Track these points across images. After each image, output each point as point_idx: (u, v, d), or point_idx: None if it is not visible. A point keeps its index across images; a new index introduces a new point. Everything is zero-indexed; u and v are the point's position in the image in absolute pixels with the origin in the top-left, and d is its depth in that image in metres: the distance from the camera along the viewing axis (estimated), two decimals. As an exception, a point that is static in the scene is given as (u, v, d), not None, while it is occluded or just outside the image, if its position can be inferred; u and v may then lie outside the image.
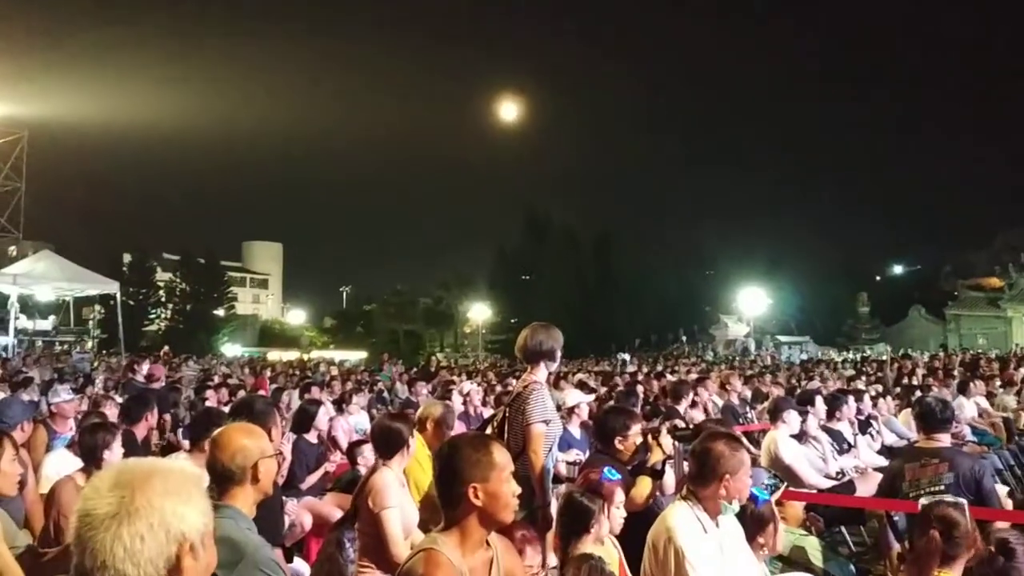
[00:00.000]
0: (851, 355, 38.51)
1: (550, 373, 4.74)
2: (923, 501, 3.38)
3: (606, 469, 3.82)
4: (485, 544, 2.58)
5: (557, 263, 64.16)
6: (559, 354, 4.55)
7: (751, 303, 48.99)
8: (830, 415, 7.83)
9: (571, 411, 7.76)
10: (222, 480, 2.81)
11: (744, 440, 3.77)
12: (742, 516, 3.61)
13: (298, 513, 6.25)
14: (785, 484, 4.62)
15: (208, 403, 10.20)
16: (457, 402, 9.88)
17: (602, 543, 3.61)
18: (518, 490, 2.60)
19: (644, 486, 4.43)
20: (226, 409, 6.83)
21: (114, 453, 4.84)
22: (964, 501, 3.32)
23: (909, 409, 9.65)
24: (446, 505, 2.55)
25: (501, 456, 2.57)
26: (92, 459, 4.77)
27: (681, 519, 3.27)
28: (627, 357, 36.09)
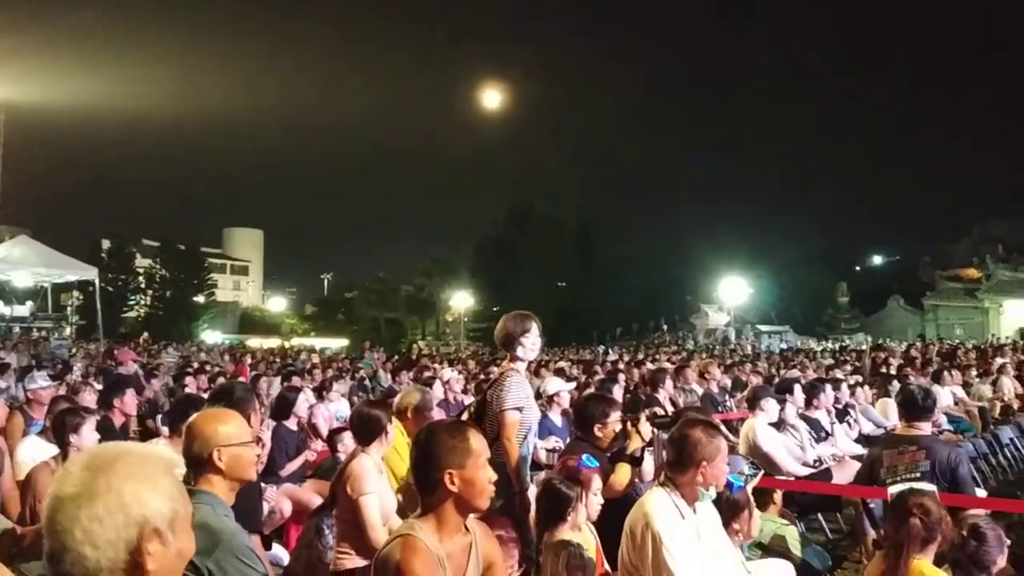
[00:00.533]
0: (830, 344, 38.82)
1: (530, 361, 4.76)
2: (892, 490, 3.43)
3: (584, 456, 3.84)
4: (463, 529, 2.59)
5: (540, 252, 64.20)
6: (534, 341, 4.55)
7: (732, 292, 49.22)
8: (808, 404, 7.90)
9: (551, 399, 7.78)
10: (196, 466, 2.80)
11: (722, 427, 3.79)
12: (717, 502, 3.64)
13: (278, 500, 6.25)
14: (762, 471, 4.66)
15: (187, 390, 10.16)
16: (438, 390, 9.88)
17: (579, 529, 3.63)
18: (494, 477, 2.60)
19: (623, 473, 4.45)
20: (205, 396, 6.81)
21: (84, 437, 4.82)
22: (935, 488, 3.36)
23: (886, 398, 9.77)
24: (423, 491, 2.55)
25: (477, 443, 2.57)
26: (61, 443, 4.76)
27: (659, 505, 3.29)
28: (602, 348, 36.20)
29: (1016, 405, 11.20)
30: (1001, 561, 3.52)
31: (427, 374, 12.82)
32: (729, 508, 3.83)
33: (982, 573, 3.41)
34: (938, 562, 3.40)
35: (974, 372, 14.56)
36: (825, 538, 6.66)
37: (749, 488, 4.08)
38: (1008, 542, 3.62)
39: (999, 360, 16.30)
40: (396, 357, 22.81)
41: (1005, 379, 13.10)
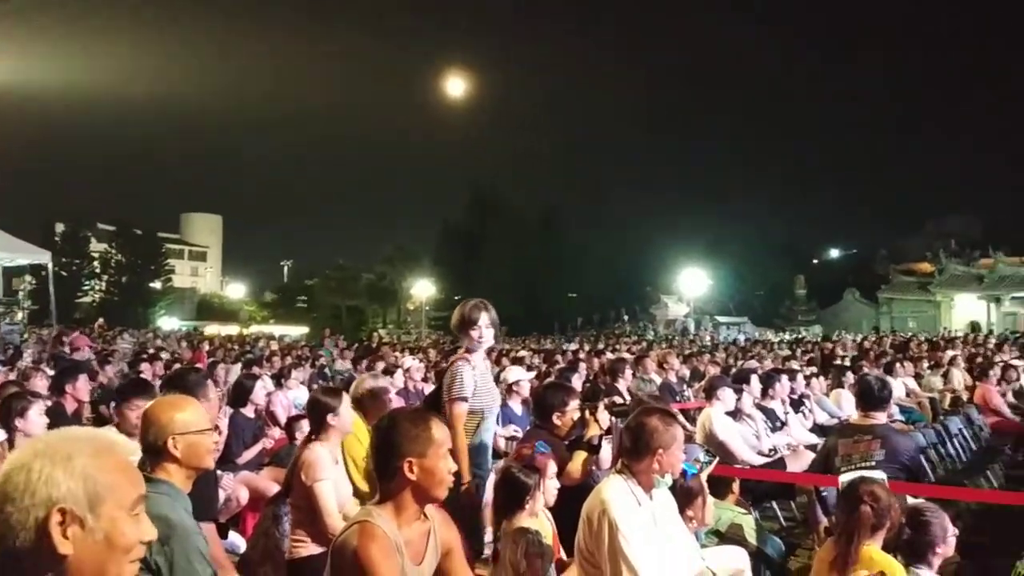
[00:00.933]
0: (788, 336, 39.37)
1: (489, 349, 4.78)
2: (843, 478, 3.49)
3: (537, 443, 3.87)
4: (422, 516, 2.59)
5: (502, 241, 64.21)
6: (486, 330, 4.58)
7: (691, 284, 49.75)
8: (764, 394, 8.01)
9: (511, 387, 7.80)
10: (152, 454, 2.76)
11: (679, 416, 3.83)
12: (673, 490, 3.68)
13: (234, 487, 6.19)
14: (717, 459, 4.72)
15: (143, 376, 9.99)
16: (399, 379, 9.86)
17: (536, 516, 3.65)
18: (454, 467, 2.61)
19: (580, 460, 4.48)
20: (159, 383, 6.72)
21: (30, 421, 4.75)
22: (884, 476, 3.44)
23: (839, 389, 9.94)
24: (381, 478, 2.55)
25: (439, 432, 2.58)
26: (7, 428, 4.67)
27: (615, 492, 3.32)
28: (563, 338, 36.40)
29: (965, 396, 11.44)
30: (946, 548, 3.61)
31: (389, 361, 12.74)
32: (683, 495, 3.87)
33: (926, 558, 3.50)
34: (888, 548, 3.48)
35: (926, 364, 14.85)
36: (779, 526, 6.76)
37: (704, 476, 4.13)
38: (955, 530, 3.72)
39: (950, 353, 16.67)
40: (357, 345, 22.68)
41: (955, 371, 13.38)
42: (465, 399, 4.37)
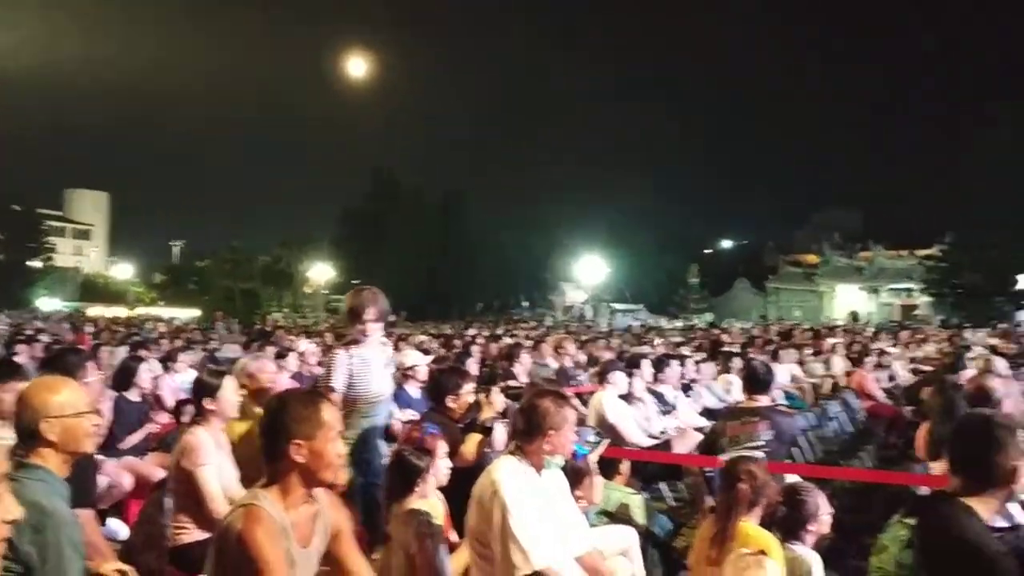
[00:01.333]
0: (680, 323, 40.46)
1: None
2: (723, 457, 3.63)
3: (426, 425, 3.88)
4: (309, 499, 2.56)
5: (403, 225, 63.61)
6: (369, 317, 4.59)
7: (590, 271, 50.54)
8: (655, 378, 8.23)
9: (407, 372, 7.76)
10: (26, 438, 2.64)
11: (572, 398, 3.90)
12: (564, 470, 3.74)
13: (117, 473, 5.97)
14: (607, 440, 4.83)
15: (20, 359, 9.50)
16: (292, 362, 9.68)
17: (427, 498, 3.66)
18: (344, 451, 2.59)
19: (473, 442, 4.52)
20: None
21: None
22: (762, 456, 3.58)
23: (727, 374, 10.30)
24: (269, 459, 2.52)
25: (330, 415, 2.55)
26: None
27: (506, 472, 3.35)
28: (462, 323, 36.45)
29: (844, 382, 12.01)
30: (820, 526, 3.80)
31: (283, 345, 12.48)
32: (573, 475, 3.95)
33: (800, 534, 3.68)
34: (765, 525, 3.63)
35: (809, 351, 15.50)
36: (668, 506, 6.96)
37: (594, 457, 4.22)
38: (831, 508, 3.91)
39: (831, 341, 17.44)
40: (248, 329, 22.15)
41: (836, 358, 13.99)
42: (333, 389, 4.40)
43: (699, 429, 7.67)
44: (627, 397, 7.45)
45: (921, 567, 2.59)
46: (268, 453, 2.52)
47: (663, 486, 7.11)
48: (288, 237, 69.78)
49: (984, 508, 2.56)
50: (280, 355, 9.87)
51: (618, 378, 7.34)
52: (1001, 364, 8.03)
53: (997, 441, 2.60)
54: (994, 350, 12.98)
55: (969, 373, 7.47)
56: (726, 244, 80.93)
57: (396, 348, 13.31)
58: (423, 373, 7.95)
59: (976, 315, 33.59)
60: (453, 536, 3.85)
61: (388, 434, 5.28)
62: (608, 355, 12.40)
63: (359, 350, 4.61)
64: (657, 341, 18.33)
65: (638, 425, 7.22)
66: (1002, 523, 2.69)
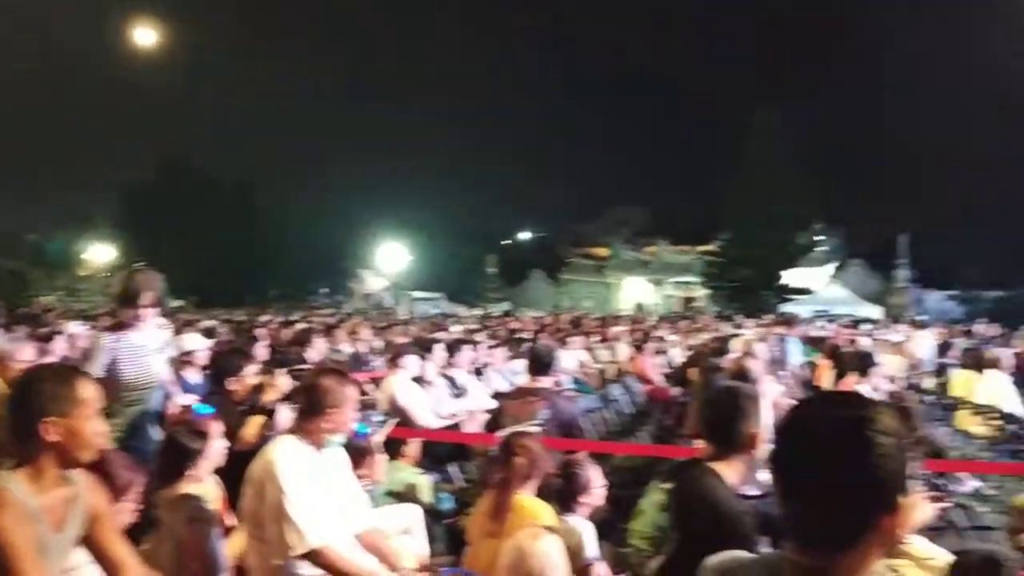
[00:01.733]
0: (479, 312, 41.17)
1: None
2: (500, 433, 3.75)
3: (194, 405, 3.76)
4: (65, 481, 2.40)
5: (192, 206, 60.33)
6: (144, 310, 4.38)
7: (390, 259, 50.35)
8: (448, 362, 8.35)
9: (184, 358, 7.41)
10: None
11: (353, 377, 3.86)
12: (347, 448, 3.72)
13: None
14: (394, 421, 4.86)
15: None
16: (59, 345, 8.96)
17: (202, 482, 3.52)
18: (104, 429, 2.45)
19: (254, 425, 4.40)
20: None
21: None
22: (537, 431, 3.73)
23: (517, 360, 10.61)
24: (17, 439, 2.34)
25: (87, 392, 2.41)
26: None
27: (283, 452, 3.29)
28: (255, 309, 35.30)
29: (627, 368, 12.67)
30: (594, 498, 4.01)
31: (51, 327, 11.51)
32: (355, 454, 3.93)
33: (573, 506, 3.87)
34: (542, 497, 3.78)
35: (596, 339, 16.25)
36: (457, 486, 7.07)
37: (379, 436, 4.22)
38: (605, 482, 4.13)
39: (616, 329, 18.38)
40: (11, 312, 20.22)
41: (620, 345, 14.77)
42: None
43: (490, 411, 7.86)
44: (419, 380, 7.51)
45: (673, 527, 2.80)
46: (17, 433, 2.35)
47: (454, 468, 7.23)
48: (63, 215, 64.45)
49: (730, 472, 2.80)
50: (46, 338, 9.11)
51: (410, 362, 7.39)
52: (761, 348, 8.79)
53: (741, 410, 2.85)
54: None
55: (733, 356, 8.11)
56: (524, 236, 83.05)
57: (179, 333, 12.70)
58: (203, 357, 7.61)
59: (748, 307, 36.45)
60: (232, 520, 3.72)
61: (163, 419, 5.03)
62: (404, 341, 12.44)
63: (129, 335, 4.37)
64: (454, 328, 18.56)
65: (429, 408, 7.29)
66: (755, 491, 2.94)
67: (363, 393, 7.93)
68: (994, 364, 9.58)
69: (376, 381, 9.31)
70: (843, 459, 1.29)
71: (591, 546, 3.77)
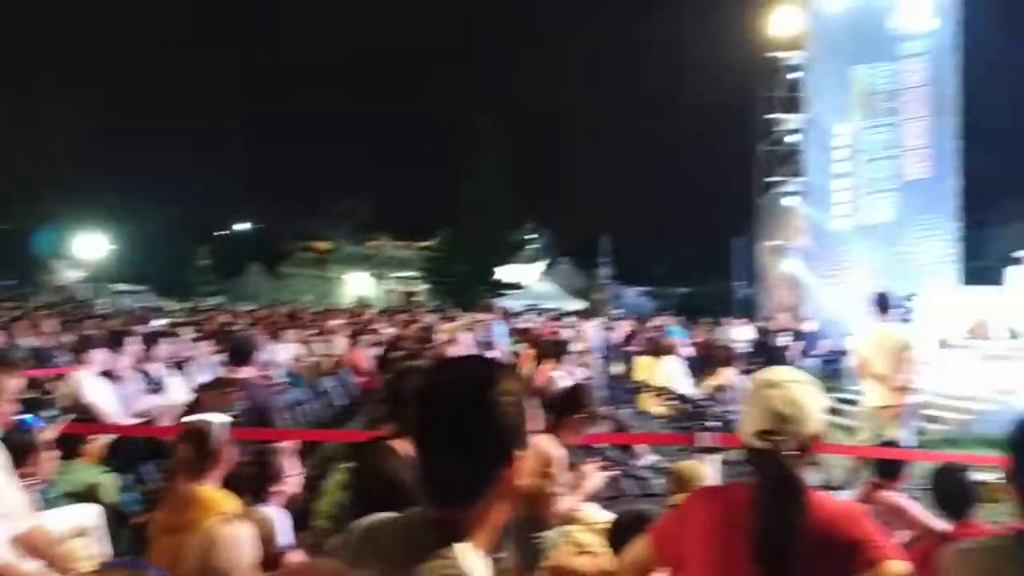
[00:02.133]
0: (189, 305, 39.03)
1: None
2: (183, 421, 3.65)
3: None
4: None
5: None
6: None
7: (88, 250, 46.38)
8: (143, 357, 7.93)
9: None
10: None
11: (21, 370, 3.53)
12: (8, 443, 3.42)
13: None
14: (70, 417, 4.55)
15: None
16: None
17: None
18: None
19: None
20: None
21: None
22: (218, 419, 3.66)
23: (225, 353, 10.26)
24: None
25: None
26: None
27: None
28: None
29: (344, 360, 12.65)
30: (288, 486, 4.01)
31: None
32: (19, 450, 3.62)
33: (263, 495, 3.85)
34: (231, 486, 3.71)
35: (314, 332, 16.05)
36: (151, 486, 6.71)
37: (50, 433, 3.93)
38: (303, 471, 4.15)
39: (333, 322, 18.27)
40: None
41: (338, 338, 14.73)
42: None
43: (187, 405, 7.55)
44: (109, 375, 7.05)
45: (354, 504, 2.89)
46: None
47: (149, 466, 6.85)
48: None
49: (404, 447, 2.94)
50: None
51: (97, 356, 6.95)
52: (466, 337, 9.23)
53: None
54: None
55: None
56: (241, 227, 79.74)
57: None
58: None
59: (464, 302, 37.68)
60: None
61: None
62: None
63: None
64: (158, 321, 17.48)
65: (121, 404, 6.88)
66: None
67: (45, 392, 7.33)
68: (670, 351, 10.77)
69: (61, 376, 8.61)
70: (466, 417, 1.43)
71: (285, 534, 3.76)
